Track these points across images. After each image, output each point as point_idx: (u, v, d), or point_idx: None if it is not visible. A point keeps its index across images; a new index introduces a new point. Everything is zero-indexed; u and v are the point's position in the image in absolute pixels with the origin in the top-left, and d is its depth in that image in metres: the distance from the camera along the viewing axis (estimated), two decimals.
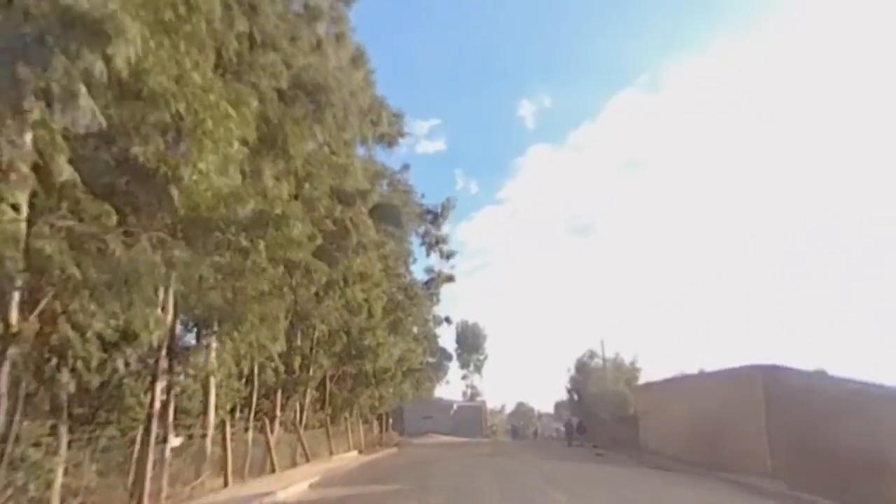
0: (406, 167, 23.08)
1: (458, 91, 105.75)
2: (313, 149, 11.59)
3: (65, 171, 4.85)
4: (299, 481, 10.74)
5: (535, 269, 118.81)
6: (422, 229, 24.02)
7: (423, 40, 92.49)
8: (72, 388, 7.08)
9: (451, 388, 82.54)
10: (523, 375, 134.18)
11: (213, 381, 11.26)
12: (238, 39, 7.69)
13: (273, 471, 12.94)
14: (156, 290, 5.44)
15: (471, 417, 49.88)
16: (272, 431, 14.16)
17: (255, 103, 6.70)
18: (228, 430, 10.27)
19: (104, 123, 4.78)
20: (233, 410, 14.36)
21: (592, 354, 35.15)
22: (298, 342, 16.26)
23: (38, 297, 5.31)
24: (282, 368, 13.63)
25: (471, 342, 67.08)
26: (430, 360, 43.96)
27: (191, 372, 10.41)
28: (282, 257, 7.72)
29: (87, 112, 4.62)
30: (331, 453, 18.20)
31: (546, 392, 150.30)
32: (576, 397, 37.10)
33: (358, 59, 11.91)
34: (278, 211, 6.75)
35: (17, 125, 4.78)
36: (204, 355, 10.03)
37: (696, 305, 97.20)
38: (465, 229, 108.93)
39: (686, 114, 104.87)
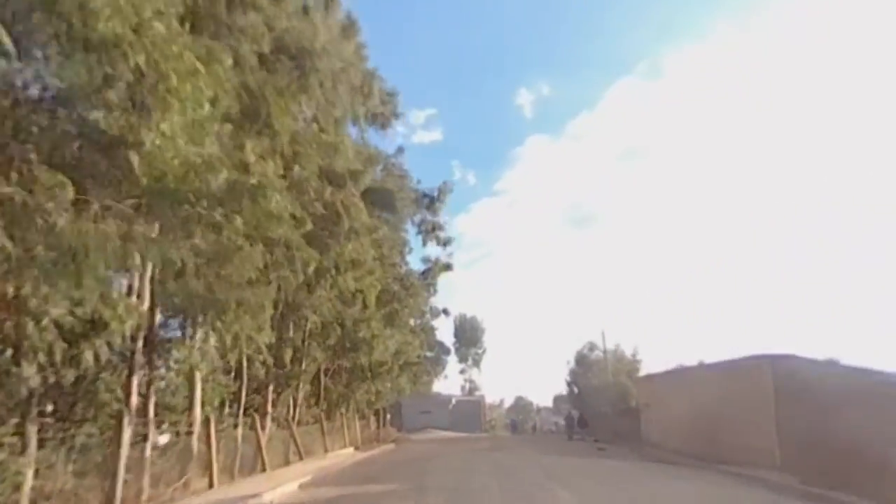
0: (401, 150, 22.01)
1: (455, 80, 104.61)
2: (301, 127, 10.92)
3: None
4: (289, 481, 10.15)
5: (534, 260, 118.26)
6: (418, 217, 23.31)
7: (418, 28, 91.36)
8: (34, 382, 6.43)
9: (449, 382, 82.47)
10: (522, 369, 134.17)
11: (198, 375, 10.62)
12: None
13: (264, 470, 12.35)
14: (109, 267, 4.79)
15: (469, 412, 49.52)
16: (263, 428, 13.56)
17: (229, 61, 6.02)
18: (214, 427, 9.64)
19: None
20: (221, 406, 13.74)
21: (592, 346, 34.71)
22: (290, 334, 15.63)
23: None
24: (271, 361, 12.97)
25: (469, 336, 66.69)
26: (428, 354, 43.46)
27: (173, 366, 9.77)
28: (260, 234, 7.05)
29: None
30: (326, 450, 17.62)
31: (545, 386, 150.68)
32: (576, 390, 36.70)
33: (349, 28, 11.17)
34: (254, 181, 6.07)
35: None
36: (186, 348, 9.38)
37: (696, 296, 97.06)
38: (463, 221, 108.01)
39: (686, 101, 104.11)
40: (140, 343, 8.11)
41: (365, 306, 17.41)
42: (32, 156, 5.04)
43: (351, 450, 20.26)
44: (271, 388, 14.82)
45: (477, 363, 67.98)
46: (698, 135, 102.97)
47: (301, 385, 16.72)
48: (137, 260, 5.04)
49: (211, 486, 9.44)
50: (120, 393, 8.53)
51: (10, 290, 5.07)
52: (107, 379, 8.72)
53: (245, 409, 13.88)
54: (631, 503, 8.64)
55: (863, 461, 10.21)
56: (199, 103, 5.21)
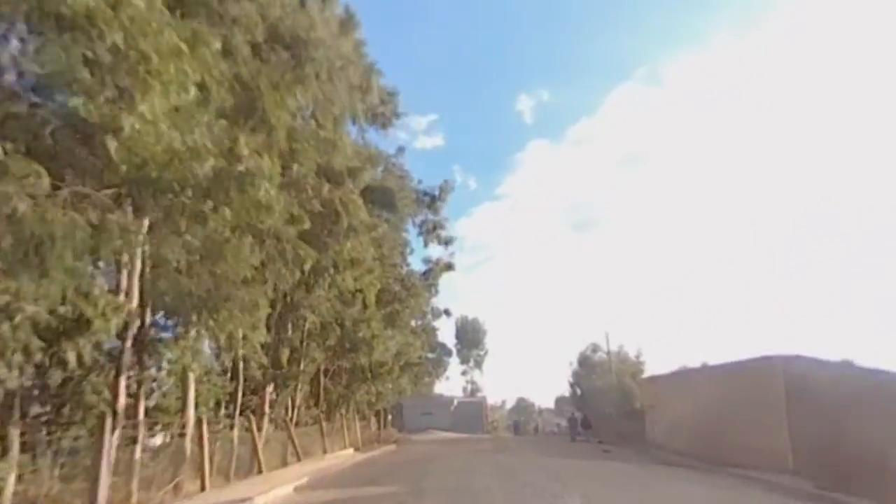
0: (401, 150, 21.56)
1: (456, 86, 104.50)
2: (299, 125, 10.63)
3: None
4: (285, 483, 9.83)
5: (536, 264, 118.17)
6: (419, 218, 22.96)
7: (420, 34, 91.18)
8: (13, 384, 6.13)
9: (451, 383, 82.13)
10: (524, 371, 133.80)
11: (191, 376, 10.33)
12: None
13: (260, 471, 12.04)
14: (78, 258, 4.48)
15: (471, 413, 49.16)
16: (260, 429, 13.25)
17: (217, 45, 5.72)
18: (206, 428, 9.34)
19: None
20: (217, 407, 13.47)
21: (596, 348, 34.34)
22: (289, 334, 15.33)
23: None
24: (267, 361, 12.67)
25: (471, 337, 66.36)
26: (430, 355, 43.13)
27: (165, 366, 9.48)
28: (249, 226, 6.73)
29: None
30: (325, 452, 17.31)
31: (547, 387, 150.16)
32: (578, 392, 36.31)
33: (347, 23, 10.85)
34: (241, 168, 5.76)
35: None
36: (178, 348, 9.07)
37: (698, 298, 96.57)
38: (465, 225, 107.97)
39: (685, 107, 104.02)
40: (128, 343, 7.81)
41: (365, 306, 17.10)
42: (8, 145, 4.75)
43: (351, 451, 19.94)
44: (269, 388, 14.51)
45: (479, 365, 67.67)
46: (698, 140, 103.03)
47: (300, 386, 16.42)
48: (113, 251, 4.72)
49: (203, 489, 9.14)
50: (108, 394, 8.23)
51: None
52: (94, 380, 8.42)
53: (242, 410, 13.60)
54: None
55: (880, 465, 9.85)
56: (184, 87, 4.91)
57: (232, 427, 12.38)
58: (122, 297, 7.55)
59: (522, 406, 78.61)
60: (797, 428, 12.88)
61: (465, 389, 65.74)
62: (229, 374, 13.39)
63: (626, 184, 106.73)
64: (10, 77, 5.43)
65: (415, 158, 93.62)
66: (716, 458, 15.32)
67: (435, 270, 26.20)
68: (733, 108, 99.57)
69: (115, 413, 7.70)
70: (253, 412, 14.07)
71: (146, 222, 7.42)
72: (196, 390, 12.02)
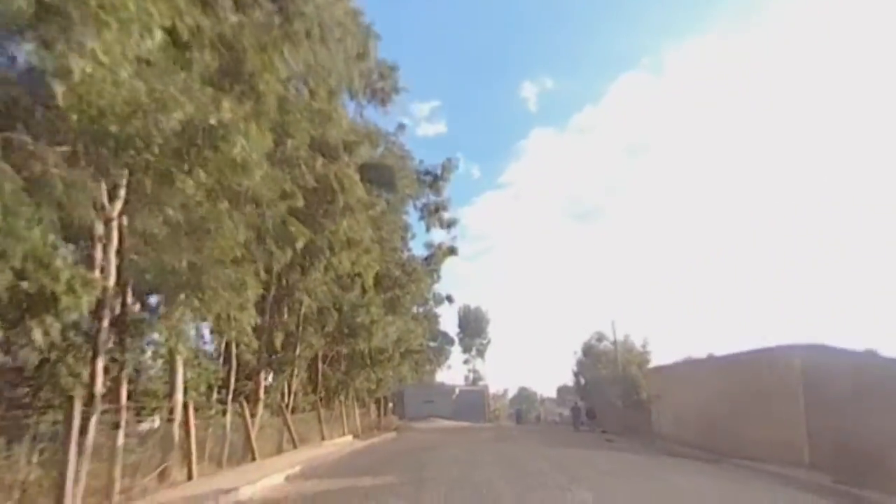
0: (402, 128, 20.25)
1: (459, 72, 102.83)
2: (291, 94, 9.96)
3: None
4: (277, 472, 9.37)
5: (538, 253, 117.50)
6: (420, 202, 22.14)
7: (422, 20, 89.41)
8: None
9: (453, 372, 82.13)
10: (526, 360, 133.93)
11: (179, 358, 9.82)
12: None
13: (253, 459, 11.61)
14: (7, 216, 3.89)
15: (473, 402, 48.93)
16: (254, 415, 12.82)
17: None
18: (192, 413, 8.85)
19: None
20: (209, 391, 13.02)
21: (601, 337, 33.81)
22: (284, 317, 14.83)
23: None
24: (256, 345, 12.16)
25: (473, 326, 66.06)
26: (432, 343, 42.75)
27: (149, 348, 8.99)
28: (224, 188, 6.11)
29: None
30: (323, 438, 16.92)
31: (548, 377, 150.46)
32: (582, 381, 35.89)
33: None
34: (213, 121, 5.11)
35: None
36: (161, 329, 8.53)
37: (702, 289, 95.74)
38: (467, 214, 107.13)
39: (690, 96, 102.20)
40: (105, 322, 7.28)
41: (364, 290, 16.55)
42: None
43: (349, 438, 19.58)
44: (263, 373, 14.04)
45: (481, 353, 67.43)
46: (703, 128, 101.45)
47: (296, 371, 15.95)
48: (54, 210, 4.15)
49: (190, 477, 8.68)
50: (86, 377, 7.74)
51: None
52: (70, 362, 7.92)
53: (235, 396, 13.15)
54: (651, 501, 7.76)
55: None
56: (148, 29, 4.29)
57: (224, 413, 11.92)
58: (97, 273, 7.00)
59: (524, 395, 78.58)
60: (815, 420, 12.36)
61: (466, 378, 65.65)
62: (222, 358, 12.92)
63: (629, 173, 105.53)
64: None
65: (417, 146, 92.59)
66: (725, 450, 14.86)
67: (437, 255, 25.43)
68: (738, 96, 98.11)
69: (91, 396, 7.21)
70: (247, 398, 13.63)
71: (122, 194, 6.87)
72: (185, 374, 11.56)
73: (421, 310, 30.45)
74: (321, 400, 18.72)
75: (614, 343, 31.16)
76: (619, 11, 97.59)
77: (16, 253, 4.04)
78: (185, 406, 8.90)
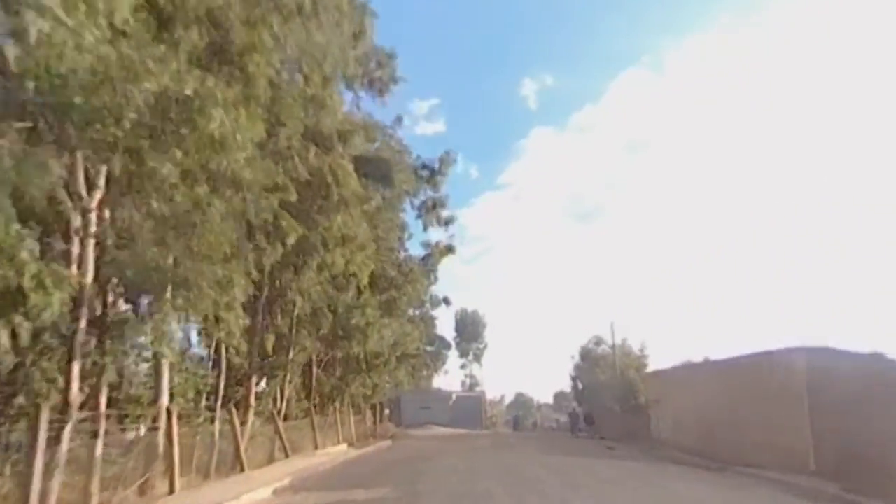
0: (399, 120, 19.68)
1: (458, 70, 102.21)
2: (284, 80, 9.54)
3: None
4: (265, 484, 8.85)
5: (537, 254, 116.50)
6: (417, 200, 21.57)
7: (421, 17, 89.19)
8: None
9: (449, 377, 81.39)
10: (522, 366, 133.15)
11: (165, 363, 9.32)
12: None
13: (242, 469, 11.08)
14: None
15: (470, 408, 48.37)
16: (244, 423, 12.30)
17: None
18: (175, 421, 8.35)
19: None
20: (196, 398, 12.50)
21: (599, 341, 33.41)
22: (277, 320, 14.34)
23: None
24: (246, 348, 11.67)
25: (470, 331, 65.51)
26: (429, 348, 42.19)
27: (132, 351, 8.48)
28: (202, 167, 5.66)
29: None
30: (316, 447, 16.37)
31: (545, 383, 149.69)
32: (580, 386, 35.47)
33: None
34: (188, 91, 4.67)
35: None
36: (144, 330, 8.05)
37: (702, 291, 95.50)
38: (466, 215, 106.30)
39: (690, 93, 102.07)
40: (82, 322, 6.81)
41: (360, 291, 16.08)
42: None
43: (344, 446, 19.02)
44: (254, 378, 13.51)
45: (478, 358, 66.85)
46: (704, 125, 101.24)
47: (289, 376, 15.43)
48: (6, 191, 3.70)
49: (172, 490, 8.16)
50: (62, 381, 7.24)
51: None
52: (45, 366, 7.42)
53: (225, 402, 12.64)
54: None
55: None
56: None
57: (213, 420, 11.40)
58: (73, 269, 6.54)
59: (521, 401, 78.01)
60: (820, 425, 12.01)
61: (463, 384, 65.04)
62: (212, 363, 12.41)
63: (630, 172, 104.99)
64: None
65: (415, 144, 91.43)
66: (727, 456, 14.49)
67: (434, 255, 24.86)
68: (738, 95, 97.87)
69: (66, 403, 6.73)
70: (237, 404, 13.11)
71: (102, 184, 6.43)
72: (173, 379, 11.05)
73: (417, 312, 29.92)
74: (315, 407, 18.17)
75: (613, 346, 30.77)
76: (619, 9, 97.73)
77: None
78: (169, 413, 8.39)
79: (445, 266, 27.44)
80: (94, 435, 7.96)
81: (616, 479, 10.74)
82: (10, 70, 3.58)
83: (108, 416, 8.75)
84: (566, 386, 43.57)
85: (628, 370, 28.67)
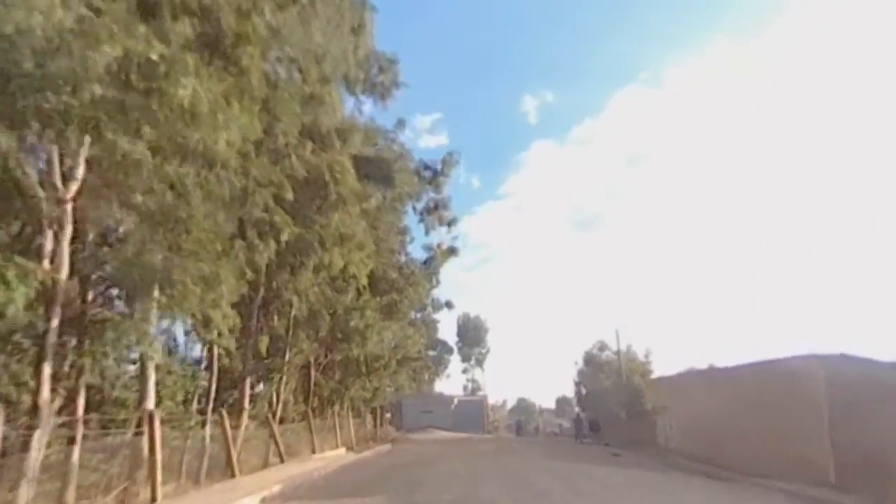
0: (401, 123, 18.91)
1: (460, 85, 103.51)
2: (282, 78, 9.15)
3: None
4: (254, 492, 8.37)
5: (538, 263, 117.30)
6: (419, 204, 21.12)
7: (424, 33, 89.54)
8: None
9: (451, 382, 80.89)
10: (524, 371, 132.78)
11: (150, 365, 8.87)
12: None
13: (233, 475, 10.62)
14: None
15: (472, 412, 47.80)
16: (236, 427, 11.83)
17: None
18: (158, 424, 7.90)
19: None
20: (188, 400, 12.05)
21: (603, 346, 32.79)
22: (274, 322, 13.88)
23: None
24: (235, 348, 11.19)
25: (472, 335, 64.96)
26: (431, 352, 41.68)
27: (111, 352, 8.02)
28: (173, 144, 5.16)
29: None
30: (313, 451, 15.89)
31: (547, 387, 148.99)
32: (584, 391, 34.81)
33: None
34: (154, 56, 4.18)
35: None
36: (132, 330, 7.60)
37: (704, 299, 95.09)
38: (468, 223, 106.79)
39: (688, 109, 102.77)
40: (55, 322, 6.36)
41: (359, 293, 15.62)
42: None
43: (342, 451, 18.53)
44: (249, 381, 13.05)
45: (480, 363, 66.26)
46: (701, 141, 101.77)
47: (285, 379, 14.96)
48: None
49: (154, 499, 7.70)
50: (32, 384, 6.79)
51: None
52: (14, 368, 6.98)
53: (218, 405, 12.16)
54: None
55: None
56: None
57: (203, 424, 10.94)
58: (45, 263, 6.11)
59: (523, 406, 77.36)
60: (840, 435, 11.47)
61: (465, 388, 64.46)
62: (203, 365, 11.96)
63: (630, 184, 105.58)
64: None
65: (418, 156, 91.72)
66: (736, 465, 13.98)
67: (436, 257, 24.40)
68: (736, 109, 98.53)
69: (36, 407, 6.28)
70: (231, 407, 12.65)
71: (80, 175, 5.98)
72: (164, 380, 10.62)
73: (419, 315, 29.42)
74: (314, 410, 17.68)
75: (618, 352, 30.16)
76: (617, 26, 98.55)
77: None
78: (151, 417, 7.93)
79: (447, 272, 27.21)
80: (71, 441, 7.53)
81: (622, 487, 10.26)
82: None
83: (87, 421, 8.32)
84: (568, 391, 43.00)
85: (633, 376, 28.07)
